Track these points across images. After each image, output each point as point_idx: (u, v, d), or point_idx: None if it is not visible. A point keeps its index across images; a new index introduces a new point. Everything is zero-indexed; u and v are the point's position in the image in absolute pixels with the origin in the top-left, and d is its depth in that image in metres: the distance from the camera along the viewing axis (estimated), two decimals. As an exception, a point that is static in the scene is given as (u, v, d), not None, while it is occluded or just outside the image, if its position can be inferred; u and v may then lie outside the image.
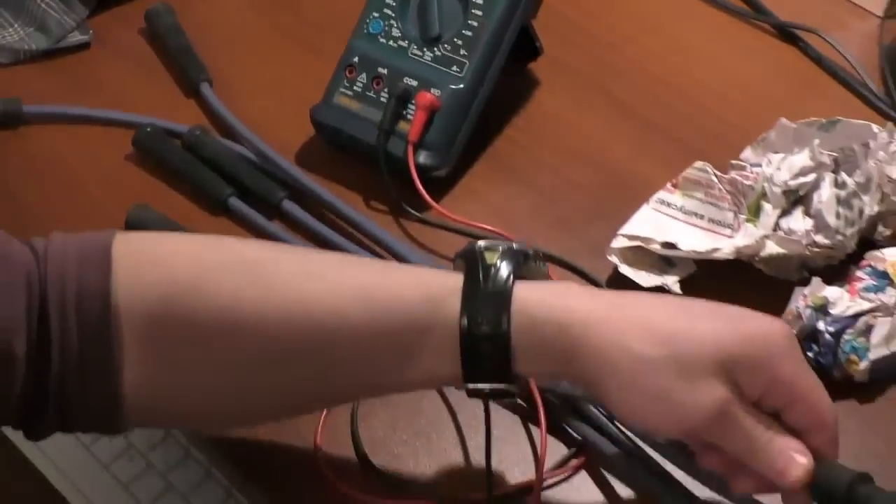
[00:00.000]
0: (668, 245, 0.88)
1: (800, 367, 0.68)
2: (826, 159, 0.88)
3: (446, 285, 0.69)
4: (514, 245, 0.71)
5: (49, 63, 1.06)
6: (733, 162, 0.92)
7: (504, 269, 0.69)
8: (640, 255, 0.89)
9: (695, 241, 0.88)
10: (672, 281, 0.88)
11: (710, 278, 0.88)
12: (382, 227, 0.92)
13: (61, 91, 1.03)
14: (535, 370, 0.71)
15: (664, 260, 0.89)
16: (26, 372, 0.69)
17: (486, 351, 0.68)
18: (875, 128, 0.90)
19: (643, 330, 0.67)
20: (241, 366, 0.71)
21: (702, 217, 0.89)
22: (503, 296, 0.68)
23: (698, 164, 0.91)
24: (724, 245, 0.87)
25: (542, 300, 0.68)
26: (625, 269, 0.88)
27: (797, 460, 0.67)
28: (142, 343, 0.70)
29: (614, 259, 0.88)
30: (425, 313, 0.69)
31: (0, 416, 0.71)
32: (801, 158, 0.88)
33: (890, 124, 0.90)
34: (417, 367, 0.70)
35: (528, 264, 0.71)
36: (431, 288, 0.70)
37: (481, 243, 0.71)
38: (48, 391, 0.70)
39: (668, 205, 0.90)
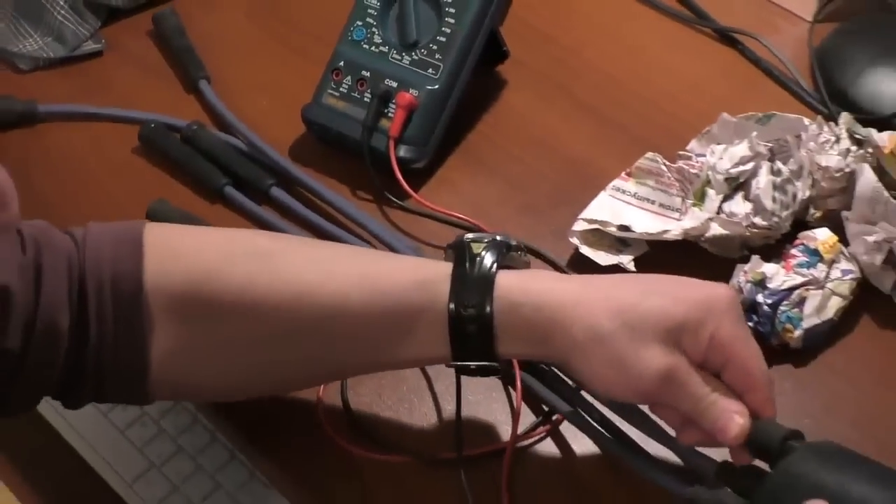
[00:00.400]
0: (624, 228, 0.88)
1: (738, 329, 0.69)
2: (763, 149, 0.88)
3: (437, 272, 0.70)
4: (499, 237, 0.72)
5: (65, 69, 1.05)
6: (680, 153, 0.91)
7: (488, 259, 0.70)
8: (599, 237, 0.88)
9: (647, 223, 0.88)
10: (627, 260, 0.88)
11: (660, 257, 0.88)
12: (366, 213, 0.92)
13: (75, 93, 1.03)
14: (515, 351, 0.71)
15: (620, 241, 0.89)
16: (68, 346, 0.69)
17: (472, 331, 0.69)
18: (806, 121, 0.90)
19: (603, 306, 0.68)
20: (253, 343, 0.72)
21: (653, 202, 0.89)
22: (487, 281, 0.69)
23: (649, 155, 0.91)
24: (673, 227, 0.87)
25: (521, 285, 0.69)
26: (585, 250, 0.88)
27: (735, 420, 0.68)
28: (168, 322, 0.71)
29: (575, 241, 0.88)
30: (418, 297, 0.70)
31: (45, 385, 0.71)
32: (741, 149, 0.88)
33: (819, 118, 0.90)
34: (411, 346, 0.71)
35: (510, 254, 0.72)
36: (424, 274, 0.71)
37: (469, 235, 0.72)
38: (86, 363, 0.70)
39: (623, 192, 0.90)
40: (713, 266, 0.87)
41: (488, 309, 0.69)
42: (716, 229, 0.87)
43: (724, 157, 0.88)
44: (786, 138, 0.89)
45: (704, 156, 0.89)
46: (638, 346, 0.68)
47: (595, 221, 0.88)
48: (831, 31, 1.02)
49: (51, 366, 0.70)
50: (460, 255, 0.71)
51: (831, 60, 0.99)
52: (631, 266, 0.87)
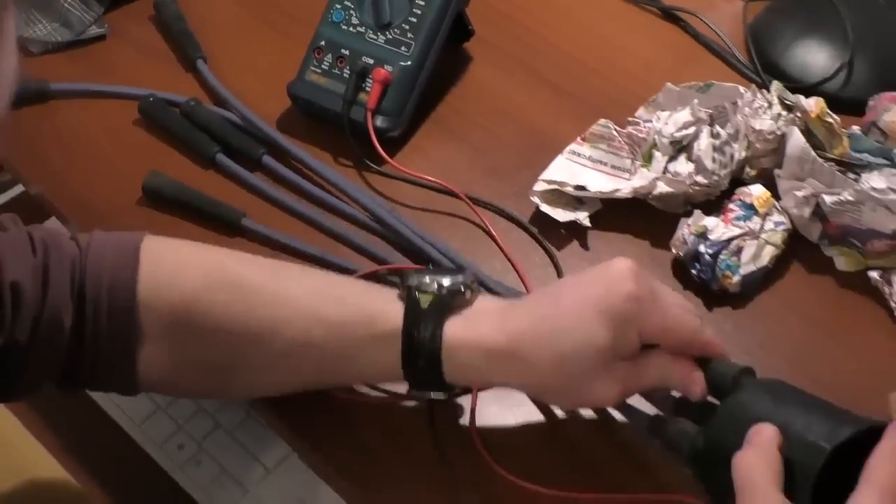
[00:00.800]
0: (580, 188, 0.87)
1: (652, 315, 0.69)
2: (703, 115, 0.88)
3: (389, 327, 0.70)
4: (447, 285, 0.71)
5: (71, 52, 1.04)
6: (630, 119, 0.91)
7: (431, 325, 0.70)
8: (557, 196, 0.88)
9: (600, 183, 0.88)
10: (583, 216, 0.87)
11: (613, 213, 0.88)
12: (347, 180, 0.91)
13: (82, 74, 1.01)
14: (464, 384, 0.75)
15: (576, 199, 0.88)
16: (68, 341, 0.69)
17: (424, 378, 0.71)
18: (741, 89, 0.89)
19: (541, 358, 0.69)
20: (229, 367, 0.72)
21: (605, 164, 0.89)
22: (434, 350, 0.70)
23: (602, 121, 0.90)
24: (624, 186, 0.87)
25: (465, 344, 0.70)
26: (545, 208, 0.87)
27: (695, 381, 0.70)
28: (154, 333, 0.71)
29: (536, 200, 0.87)
30: (374, 351, 0.71)
31: (47, 374, 0.71)
32: (684, 115, 0.88)
33: (753, 86, 0.90)
34: (370, 376, 0.75)
35: (455, 300, 0.71)
36: (379, 328, 0.71)
37: (415, 284, 0.71)
38: (83, 359, 0.71)
39: (579, 155, 0.89)
40: (660, 221, 0.87)
41: (437, 368, 0.70)
42: (662, 187, 0.86)
43: (668, 122, 0.88)
44: (724, 105, 0.89)
45: (651, 122, 0.89)
46: (585, 384, 0.69)
47: (554, 182, 0.87)
48: (763, 8, 1.02)
49: (54, 358, 0.70)
50: (408, 313, 0.70)
51: (763, 35, 0.98)
52: (586, 222, 0.87)
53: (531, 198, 0.88)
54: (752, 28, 0.99)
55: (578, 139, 0.90)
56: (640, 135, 0.89)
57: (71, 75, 1.01)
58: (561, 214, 0.87)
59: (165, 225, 0.88)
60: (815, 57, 0.96)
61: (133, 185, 0.90)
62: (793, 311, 0.83)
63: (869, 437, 0.60)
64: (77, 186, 0.92)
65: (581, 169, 0.89)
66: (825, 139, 0.87)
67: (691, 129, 0.87)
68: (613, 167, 0.89)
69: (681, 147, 0.88)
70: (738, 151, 0.87)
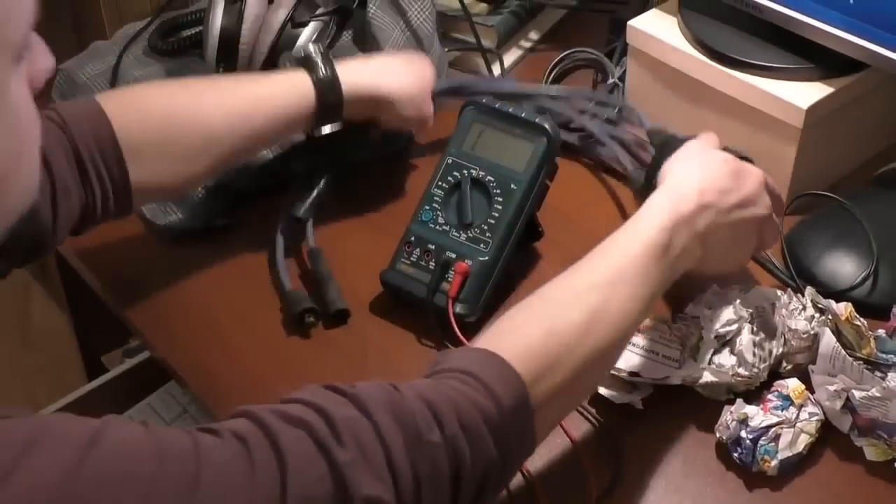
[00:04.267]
0: (634, 374, 0.87)
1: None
2: (745, 314, 0.88)
3: (305, 92, 0.97)
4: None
5: (196, 240, 1.06)
6: (679, 315, 0.92)
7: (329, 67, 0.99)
8: (613, 379, 0.88)
9: (652, 371, 0.88)
10: (636, 399, 0.87)
11: (663, 397, 0.88)
12: (428, 359, 0.91)
13: (208, 259, 1.04)
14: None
15: (629, 384, 0.88)
16: (79, 195, 0.85)
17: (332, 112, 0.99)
18: (779, 293, 0.90)
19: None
20: (200, 149, 0.92)
21: (657, 354, 0.89)
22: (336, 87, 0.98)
23: (657, 316, 0.91)
24: (673, 374, 0.87)
25: (354, 83, 0.99)
26: (603, 391, 0.87)
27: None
28: (137, 153, 0.88)
29: None
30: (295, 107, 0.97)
31: (71, 223, 0.86)
32: (728, 313, 0.88)
33: (789, 290, 0.91)
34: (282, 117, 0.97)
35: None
36: (295, 94, 0.98)
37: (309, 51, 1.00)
38: (95, 206, 0.87)
39: (634, 344, 0.89)
40: (705, 407, 0.87)
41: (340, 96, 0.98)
42: (707, 377, 0.86)
43: (714, 319, 0.88)
44: (763, 306, 0.89)
45: (698, 317, 0.89)
46: None
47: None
48: (798, 222, 1.03)
49: (71, 214, 0.85)
50: (311, 72, 0.98)
51: (798, 245, 0.99)
52: (639, 405, 0.87)
53: (591, 382, 0.88)
54: (788, 239, 1.00)
55: (637, 334, 0.90)
56: (688, 329, 0.89)
57: (197, 258, 1.03)
58: (617, 397, 0.87)
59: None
60: (843, 266, 0.97)
61: (248, 355, 0.92)
62: (826, 495, 0.82)
63: None
64: (196, 354, 0.94)
65: (636, 357, 0.89)
66: (854, 340, 0.87)
67: (734, 326, 0.87)
68: (664, 357, 0.89)
69: (724, 341, 0.88)
70: (777, 348, 0.87)
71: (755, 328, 0.88)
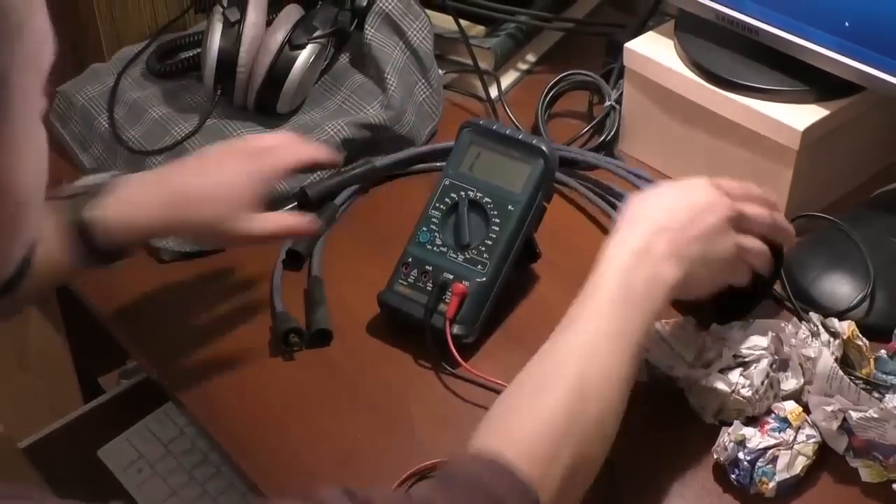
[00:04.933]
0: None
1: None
2: (773, 348, 0.87)
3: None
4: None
5: (195, 261, 1.06)
6: (710, 329, 0.90)
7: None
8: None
9: (661, 356, 0.87)
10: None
11: (660, 417, 0.87)
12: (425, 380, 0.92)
13: (198, 278, 1.04)
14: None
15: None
16: None
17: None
18: (782, 323, 0.90)
19: None
20: None
21: (673, 348, 0.88)
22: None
23: (690, 318, 0.90)
24: (679, 368, 0.86)
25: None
26: None
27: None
28: None
29: None
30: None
31: None
32: (762, 341, 0.87)
33: (794, 319, 0.92)
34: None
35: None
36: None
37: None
38: None
39: (656, 331, 0.88)
40: (703, 428, 0.87)
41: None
42: (711, 381, 0.85)
43: (743, 339, 0.87)
44: (780, 339, 0.88)
45: (724, 338, 0.88)
46: None
47: None
48: (794, 243, 1.03)
49: None
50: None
51: (794, 267, 0.99)
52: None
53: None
54: (786, 261, 1.00)
55: (663, 321, 0.89)
56: (711, 343, 0.88)
57: (194, 280, 1.03)
58: None
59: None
60: (840, 288, 0.97)
61: (245, 377, 0.92)
62: (823, 516, 0.82)
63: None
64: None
65: (652, 341, 0.87)
66: (856, 360, 0.87)
67: (758, 352, 0.86)
68: (678, 354, 0.88)
69: (741, 362, 0.87)
70: (795, 382, 0.87)
71: (775, 365, 0.86)
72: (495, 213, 0.96)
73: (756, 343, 0.87)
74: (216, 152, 0.92)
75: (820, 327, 0.88)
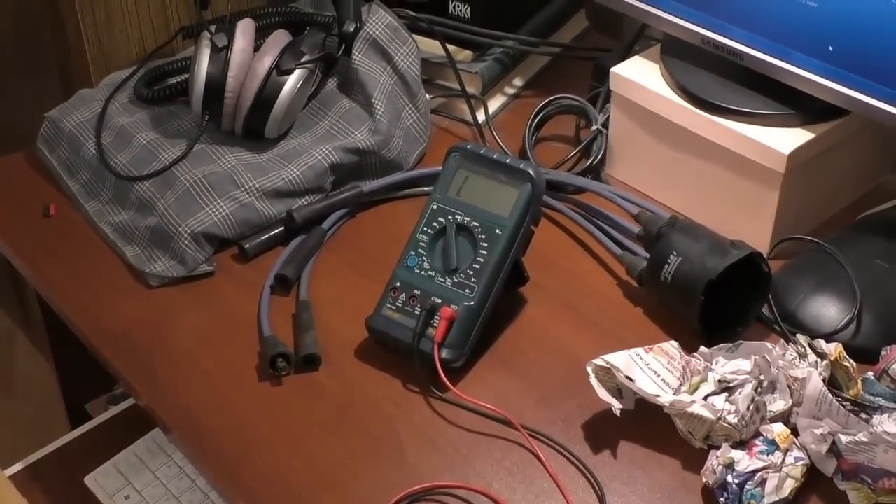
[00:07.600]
0: (629, 378, 0.87)
1: None
2: (757, 373, 0.87)
3: None
4: None
5: (183, 286, 1.07)
6: (695, 354, 0.92)
7: None
8: (608, 377, 0.88)
9: (646, 386, 0.87)
10: (616, 407, 0.87)
11: (648, 441, 0.87)
12: (414, 405, 0.92)
13: (190, 303, 1.04)
14: None
15: (618, 391, 0.89)
16: None
17: None
18: (769, 345, 0.90)
19: None
20: None
21: (658, 375, 0.88)
22: None
23: (672, 342, 0.91)
24: (665, 397, 0.86)
25: None
26: (593, 380, 0.87)
27: None
28: None
29: (590, 369, 0.88)
30: None
31: None
32: (745, 364, 0.87)
33: (781, 341, 0.92)
34: None
35: None
36: None
37: None
38: None
39: (641, 358, 0.89)
40: (691, 451, 0.87)
41: None
42: (696, 409, 0.85)
43: (727, 365, 0.88)
44: (767, 360, 0.88)
45: (710, 362, 0.89)
46: None
47: (611, 364, 0.88)
48: (780, 266, 1.03)
49: None
50: None
51: (781, 290, 1.00)
52: (618, 413, 0.87)
53: (587, 367, 0.88)
54: (772, 283, 1.00)
55: (646, 347, 0.90)
56: (697, 366, 0.89)
57: (182, 305, 1.04)
58: (603, 394, 0.87)
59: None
60: (827, 310, 0.98)
61: (233, 402, 0.92)
62: (812, 539, 0.82)
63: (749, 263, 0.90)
64: (181, 399, 0.94)
65: (636, 368, 0.88)
66: (843, 381, 0.87)
67: (741, 377, 0.87)
68: (663, 381, 0.88)
69: (726, 387, 0.87)
70: (783, 403, 0.87)
71: (761, 388, 0.87)
72: (483, 237, 0.97)
73: (740, 367, 0.87)
74: None
75: (807, 348, 0.89)
